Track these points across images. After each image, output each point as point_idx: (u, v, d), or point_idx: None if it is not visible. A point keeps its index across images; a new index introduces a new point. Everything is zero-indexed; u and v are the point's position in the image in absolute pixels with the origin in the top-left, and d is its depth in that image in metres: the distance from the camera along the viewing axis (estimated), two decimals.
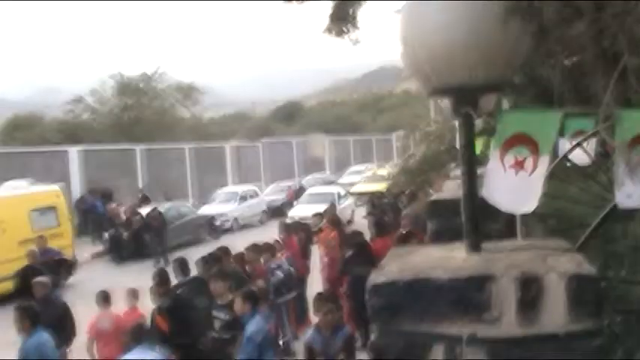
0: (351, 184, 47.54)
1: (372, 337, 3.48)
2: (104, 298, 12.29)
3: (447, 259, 3.68)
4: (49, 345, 9.75)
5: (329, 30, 5.13)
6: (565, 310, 3.23)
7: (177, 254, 18.86)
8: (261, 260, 13.78)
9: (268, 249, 14.35)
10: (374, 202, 25.03)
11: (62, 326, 11.34)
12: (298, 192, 40.68)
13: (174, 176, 40.71)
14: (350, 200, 38.46)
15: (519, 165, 4.00)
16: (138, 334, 9.36)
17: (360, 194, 39.49)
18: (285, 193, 41.70)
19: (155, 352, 9.14)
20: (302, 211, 31.69)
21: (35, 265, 15.34)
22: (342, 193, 38.22)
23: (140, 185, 38.05)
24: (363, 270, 13.63)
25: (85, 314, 14.11)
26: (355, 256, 13.82)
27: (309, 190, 39.23)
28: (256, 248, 13.89)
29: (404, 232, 14.94)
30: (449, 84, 3.66)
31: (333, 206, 24.93)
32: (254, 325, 9.61)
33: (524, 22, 3.46)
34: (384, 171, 45.18)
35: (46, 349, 9.64)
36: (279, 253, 14.83)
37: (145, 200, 33.58)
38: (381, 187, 36.77)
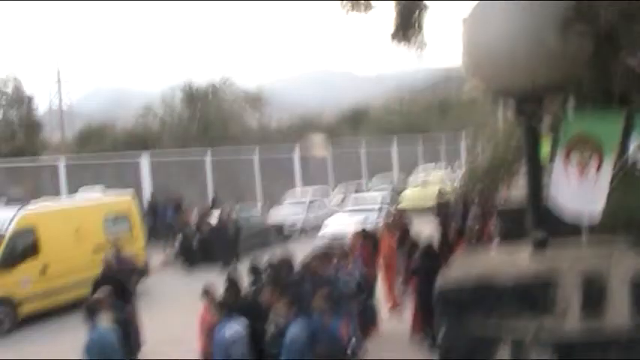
0: (423, 183, 47.33)
1: (440, 338, 3.58)
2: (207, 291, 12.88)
3: (514, 258, 3.76)
4: (109, 340, 9.87)
5: (395, 36, 5.23)
6: (628, 307, 3.28)
7: (247, 258, 19.12)
8: (331, 267, 13.69)
9: (340, 255, 14.25)
10: (440, 207, 24.79)
11: (126, 338, 11.14)
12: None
13: (243, 182, 41.10)
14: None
15: (584, 166, 4.03)
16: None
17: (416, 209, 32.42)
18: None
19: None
20: (338, 224, 28.82)
21: (111, 274, 15.64)
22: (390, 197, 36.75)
23: (210, 192, 38.58)
24: (431, 271, 13.69)
25: (155, 319, 14.53)
26: (423, 257, 13.83)
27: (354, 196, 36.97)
28: (325, 257, 13.80)
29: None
30: (511, 87, 3.75)
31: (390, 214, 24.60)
32: (293, 332, 9.69)
33: (585, 25, 3.52)
34: (438, 175, 41.84)
35: (107, 344, 9.77)
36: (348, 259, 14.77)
37: (215, 204, 34.50)
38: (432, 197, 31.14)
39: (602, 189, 4.11)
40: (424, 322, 13.84)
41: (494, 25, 3.58)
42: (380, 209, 29.03)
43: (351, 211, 30.40)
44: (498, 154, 23.33)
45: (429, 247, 14.27)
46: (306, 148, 50.20)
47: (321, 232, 28.11)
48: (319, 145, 49.60)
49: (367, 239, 16.63)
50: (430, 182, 39.77)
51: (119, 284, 14.46)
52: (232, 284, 12.02)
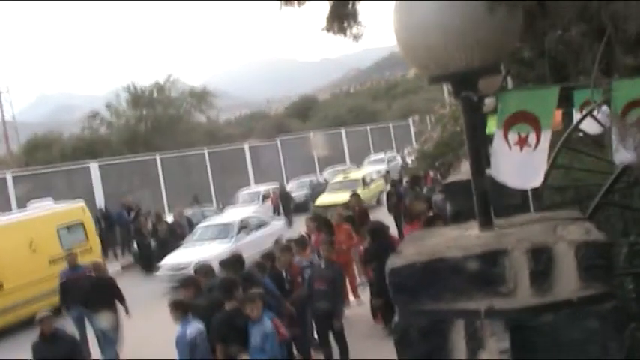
0: (376, 173, 47.56)
1: (395, 318, 3.62)
2: (301, 243, 14.07)
3: (462, 238, 3.81)
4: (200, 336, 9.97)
5: (329, 28, 5.24)
6: (576, 278, 3.36)
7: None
8: (295, 258, 13.71)
9: (299, 244, 14.31)
10: (394, 188, 25.02)
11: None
12: (286, 197, 36.67)
13: (196, 181, 40.93)
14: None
15: (523, 142, 4.12)
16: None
17: (325, 207, 29.63)
18: (306, 188, 41.13)
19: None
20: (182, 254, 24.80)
21: (105, 279, 15.59)
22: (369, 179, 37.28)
23: (164, 194, 38.36)
24: (383, 257, 13.82)
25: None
26: (374, 244, 13.93)
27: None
28: (288, 248, 13.83)
29: (430, 215, 14.96)
30: (447, 70, 3.78)
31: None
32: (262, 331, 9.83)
33: (510, 7, 3.58)
34: (359, 173, 38.82)
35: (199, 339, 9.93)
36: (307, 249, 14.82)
37: (196, 202, 36.24)
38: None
39: (542, 163, 4.20)
40: (381, 309, 14.02)
41: (424, 8, 3.61)
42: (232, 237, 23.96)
43: (198, 240, 24.60)
44: (445, 138, 23.72)
45: (376, 233, 14.34)
46: (256, 141, 50.24)
47: (162, 262, 23.44)
48: (319, 145, 49.59)
49: (323, 226, 16.63)
50: (347, 183, 35.42)
51: (114, 288, 14.96)
52: (190, 283, 12.00)
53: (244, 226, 25.04)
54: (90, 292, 14.61)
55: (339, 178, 38.60)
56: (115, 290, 14.85)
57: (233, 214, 27.83)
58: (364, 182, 35.70)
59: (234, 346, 9.77)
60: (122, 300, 14.93)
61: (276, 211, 35.81)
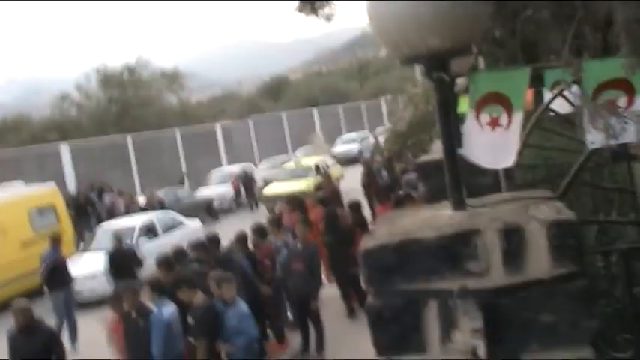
0: (346, 153, 47.57)
1: (369, 299, 3.64)
2: (275, 223, 14.35)
3: (434, 219, 3.84)
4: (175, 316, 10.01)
5: (302, 9, 5.22)
6: (548, 257, 3.40)
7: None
8: (268, 239, 13.69)
9: (273, 225, 14.29)
10: (368, 168, 25.09)
11: (49, 355, 10.20)
12: (248, 180, 35.77)
13: (168, 163, 40.76)
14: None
15: (495, 122, 4.15)
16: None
17: (276, 198, 27.62)
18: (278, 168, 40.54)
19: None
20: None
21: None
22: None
23: (136, 176, 38.18)
24: (340, 241, 13.96)
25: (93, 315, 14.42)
26: (329, 227, 14.09)
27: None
28: (261, 229, 13.83)
29: (401, 195, 15.02)
30: (419, 51, 3.78)
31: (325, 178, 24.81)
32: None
33: None
34: (311, 160, 36.41)
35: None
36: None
37: (182, 182, 36.76)
38: (306, 184, 29.66)
39: (513, 143, 4.23)
40: (344, 292, 14.17)
41: None
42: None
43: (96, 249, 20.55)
44: (417, 117, 23.77)
45: (356, 207, 14.43)
46: (228, 123, 50.07)
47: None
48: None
49: (296, 207, 16.58)
50: (298, 171, 33.96)
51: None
52: (165, 263, 12.00)
53: (149, 229, 22.26)
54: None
55: (290, 165, 36.69)
56: None
57: (134, 219, 23.58)
58: (318, 170, 32.61)
59: (215, 342, 9.68)
60: None
61: (237, 194, 35.60)
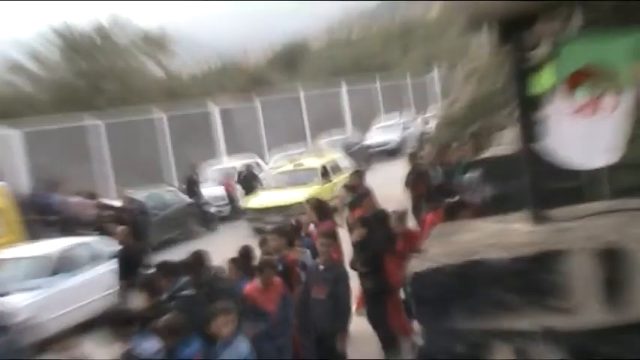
0: (383, 143, 47.44)
1: (420, 339, 3.58)
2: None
3: (505, 234, 3.76)
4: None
5: None
6: None
7: (163, 255, 19.08)
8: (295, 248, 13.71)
9: (287, 236, 14.26)
10: (414, 164, 24.86)
11: None
12: (249, 180, 35.07)
13: (150, 153, 40.75)
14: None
15: (594, 105, 4.01)
16: None
17: (263, 211, 28.18)
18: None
19: None
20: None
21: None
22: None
23: (108, 168, 38.23)
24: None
25: None
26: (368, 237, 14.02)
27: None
28: (282, 232, 13.91)
29: (457, 201, 14.79)
30: (493, 8, 3.70)
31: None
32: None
33: None
34: (318, 159, 34.07)
35: None
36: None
37: (195, 173, 35.48)
38: (308, 194, 26.15)
39: (618, 133, 4.10)
40: (374, 317, 14.03)
41: None
42: None
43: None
44: (480, 97, 23.60)
45: (369, 223, 14.31)
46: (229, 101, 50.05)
47: None
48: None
49: (321, 211, 16.48)
50: (299, 175, 31.86)
51: None
52: (147, 288, 12.01)
53: (71, 261, 19.84)
54: None
55: (288, 166, 34.04)
56: None
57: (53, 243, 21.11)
58: (324, 173, 31.41)
59: None
60: None
61: (232, 200, 34.50)
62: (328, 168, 32.13)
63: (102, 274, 19.64)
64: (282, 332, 12.00)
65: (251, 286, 11.87)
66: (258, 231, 23.43)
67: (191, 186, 33.88)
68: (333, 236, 13.40)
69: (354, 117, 56.79)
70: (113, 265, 19.16)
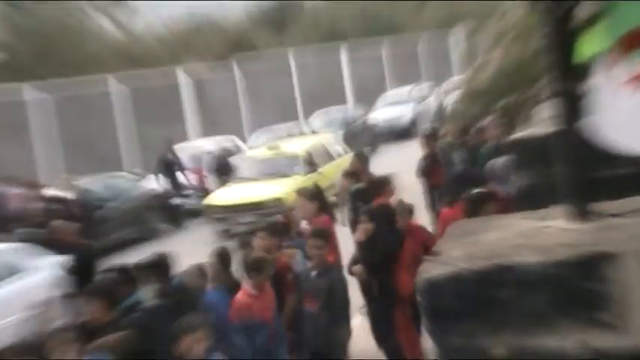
0: (392, 122, 47.27)
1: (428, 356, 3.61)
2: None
3: (539, 234, 3.78)
4: None
5: None
6: None
7: (121, 258, 19.13)
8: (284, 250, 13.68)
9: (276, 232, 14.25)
10: (430, 146, 24.60)
11: None
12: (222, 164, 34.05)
13: (104, 132, 40.64)
14: None
15: None
16: None
17: (231, 209, 27.10)
18: None
19: None
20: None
21: None
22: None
23: (52, 154, 38.17)
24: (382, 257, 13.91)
25: None
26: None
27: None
28: (273, 230, 13.88)
29: (481, 192, 14.71)
30: None
31: None
32: None
33: None
34: (301, 143, 32.73)
35: None
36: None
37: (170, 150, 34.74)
38: (288, 188, 25.87)
39: None
40: (379, 332, 14.05)
41: None
42: None
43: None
44: (510, 65, 23.56)
45: (377, 215, 14.28)
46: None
47: None
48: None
49: (318, 202, 16.45)
50: (277, 163, 30.10)
51: None
52: (99, 297, 12.05)
53: None
54: None
55: (263, 152, 32.33)
56: None
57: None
58: (309, 161, 29.79)
59: None
60: None
61: (204, 190, 33.07)
62: (314, 154, 30.54)
63: (20, 290, 18.86)
64: (279, 344, 12.08)
65: (242, 294, 11.79)
66: (226, 234, 23.38)
67: (167, 169, 33.41)
68: (327, 235, 13.35)
69: (357, 90, 56.62)
70: (39, 278, 18.93)
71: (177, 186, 32.24)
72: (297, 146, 31.42)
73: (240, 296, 11.76)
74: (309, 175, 27.72)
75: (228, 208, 26.99)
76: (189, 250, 15.71)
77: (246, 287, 11.75)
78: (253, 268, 11.78)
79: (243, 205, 26.10)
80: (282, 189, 26.07)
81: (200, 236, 23.99)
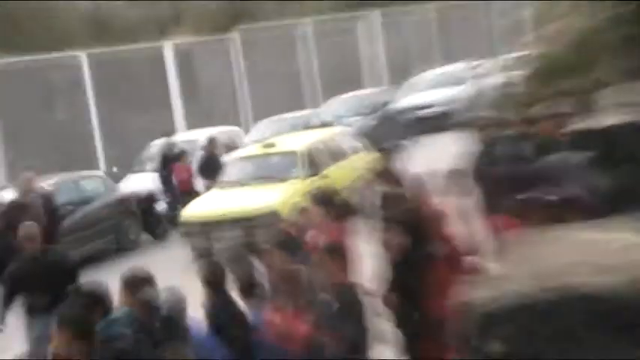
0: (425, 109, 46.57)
1: None
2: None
3: (607, 248, 3.80)
4: None
5: None
6: None
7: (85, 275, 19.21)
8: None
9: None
10: (484, 141, 24.26)
11: None
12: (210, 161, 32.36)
13: (69, 118, 40.46)
14: None
15: None
16: None
17: (211, 224, 25.42)
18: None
19: None
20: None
21: None
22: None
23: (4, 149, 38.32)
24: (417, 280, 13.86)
25: None
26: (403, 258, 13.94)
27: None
28: (285, 245, 13.85)
29: (552, 200, 14.61)
30: None
31: None
32: None
33: None
34: (302, 138, 31.37)
35: None
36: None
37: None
38: (284, 196, 25.28)
39: None
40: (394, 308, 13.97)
41: None
42: None
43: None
44: (590, 31, 23.30)
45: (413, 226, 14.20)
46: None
47: None
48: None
49: (334, 209, 16.38)
50: (269, 164, 28.69)
51: None
52: (64, 324, 12.12)
53: None
54: None
55: (253, 150, 31.16)
56: None
57: None
58: (311, 161, 28.08)
59: None
60: None
61: (189, 194, 31.10)
62: (319, 151, 28.71)
63: None
64: None
65: (273, 312, 11.72)
66: (203, 253, 22.56)
67: (166, 166, 32.34)
68: (341, 250, 13.25)
69: (391, 64, 56.10)
70: None
71: (171, 188, 31.51)
72: (297, 142, 29.92)
73: (270, 315, 11.67)
74: (310, 179, 26.22)
75: (208, 225, 25.36)
76: (171, 265, 15.67)
77: (275, 305, 11.67)
78: (286, 280, 11.71)
79: (226, 220, 24.78)
80: (275, 197, 25.23)
81: (181, 250, 23.81)
